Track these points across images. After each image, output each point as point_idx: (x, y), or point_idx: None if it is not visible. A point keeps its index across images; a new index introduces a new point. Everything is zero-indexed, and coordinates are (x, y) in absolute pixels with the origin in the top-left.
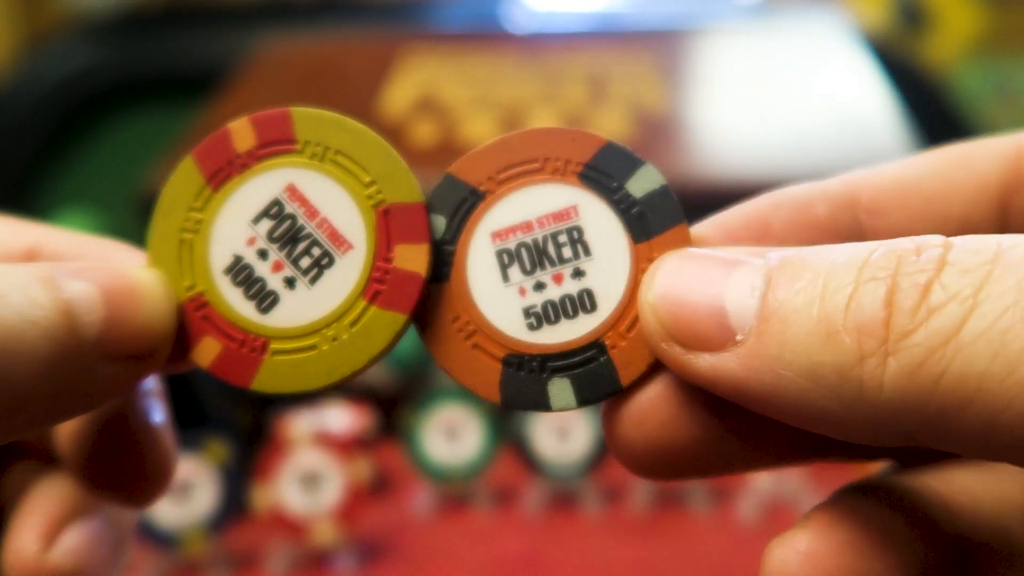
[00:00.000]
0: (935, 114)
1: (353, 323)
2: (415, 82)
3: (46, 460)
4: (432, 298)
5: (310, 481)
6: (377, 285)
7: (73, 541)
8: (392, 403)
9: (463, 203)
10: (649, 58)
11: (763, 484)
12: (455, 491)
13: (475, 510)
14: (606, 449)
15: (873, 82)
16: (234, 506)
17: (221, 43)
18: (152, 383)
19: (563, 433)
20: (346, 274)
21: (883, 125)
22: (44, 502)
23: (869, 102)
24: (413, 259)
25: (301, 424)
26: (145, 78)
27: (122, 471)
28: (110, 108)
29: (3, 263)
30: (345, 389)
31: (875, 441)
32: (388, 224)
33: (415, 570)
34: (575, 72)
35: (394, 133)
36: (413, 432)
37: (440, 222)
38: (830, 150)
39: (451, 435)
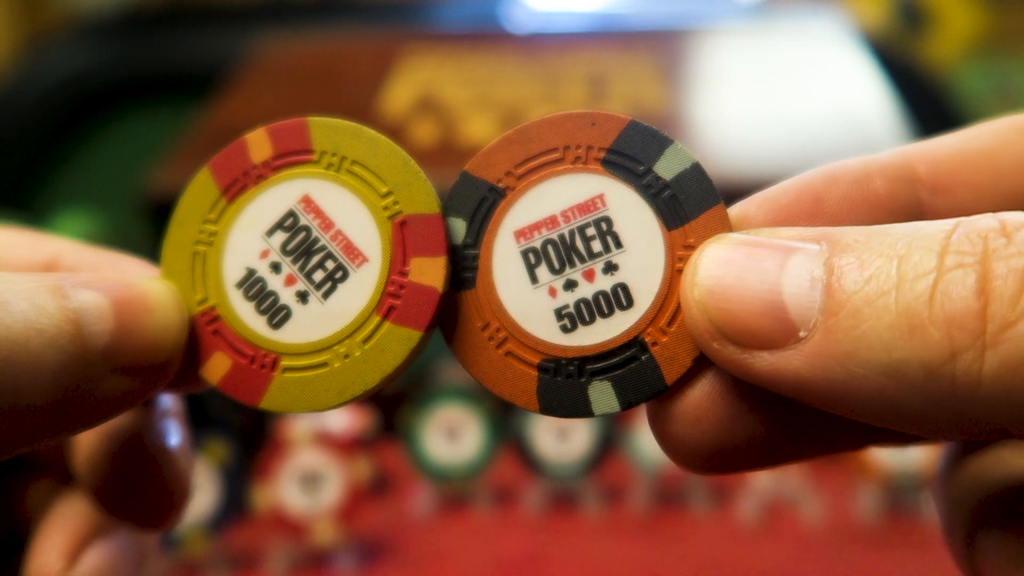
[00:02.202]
0: (935, 114)
1: (366, 339)
2: (415, 82)
3: (68, 479)
4: (458, 306)
5: (310, 481)
6: (392, 300)
7: (95, 560)
8: (392, 403)
9: (482, 202)
10: (649, 58)
11: (763, 484)
12: (455, 491)
13: (475, 510)
14: (605, 449)
15: (873, 82)
16: (234, 506)
17: (221, 43)
18: (170, 403)
19: (563, 433)
20: (360, 288)
21: (883, 125)
22: (66, 521)
23: (869, 102)
24: (430, 273)
25: (301, 424)
26: (145, 78)
27: (136, 496)
28: (110, 108)
29: (12, 272)
30: None
31: (958, 436)
32: (404, 236)
33: (415, 570)
34: (575, 72)
35: (394, 133)
36: (413, 432)
37: (459, 225)
38: (830, 150)
39: (451, 435)
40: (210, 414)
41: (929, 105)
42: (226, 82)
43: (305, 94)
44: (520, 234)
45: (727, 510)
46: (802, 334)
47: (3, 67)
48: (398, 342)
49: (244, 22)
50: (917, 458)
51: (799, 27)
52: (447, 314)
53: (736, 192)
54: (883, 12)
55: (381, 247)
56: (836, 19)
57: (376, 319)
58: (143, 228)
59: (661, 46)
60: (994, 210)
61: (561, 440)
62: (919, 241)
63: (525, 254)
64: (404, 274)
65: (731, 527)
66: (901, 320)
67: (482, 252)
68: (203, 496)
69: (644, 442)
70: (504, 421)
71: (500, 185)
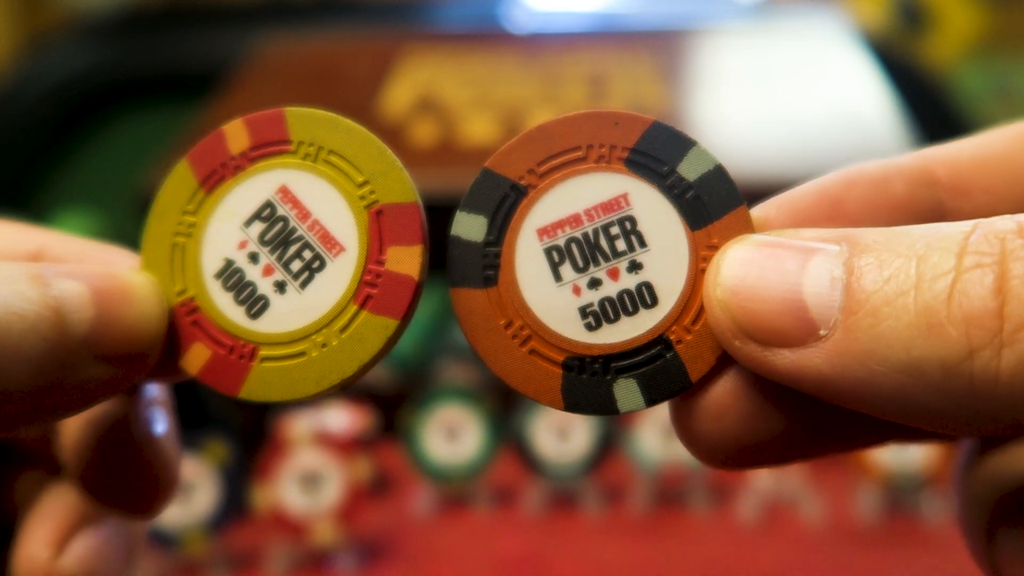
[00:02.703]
0: (935, 114)
1: (343, 328)
2: (415, 82)
3: (56, 470)
4: (481, 304)
5: (310, 481)
6: (368, 289)
7: (83, 548)
8: (392, 403)
9: (504, 200)
10: (649, 58)
11: (763, 484)
12: (455, 491)
13: (475, 510)
14: (605, 449)
15: (873, 82)
16: (234, 506)
17: (221, 43)
18: (156, 392)
19: (563, 433)
20: (337, 277)
21: (883, 125)
22: (54, 510)
23: (869, 102)
24: (406, 261)
25: (301, 424)
26: (145, 78)
27: (123, 483)
28: (110, 108)
29: None
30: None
31: (976, 433)
32: (381, 225)
33: (415, 570)
34: (575, 72)
35: (394, 133)
36: (413, 432)
37: (481, 222)
38: (830, 150)
39: (451, 435)
40: (210, 414)
41: (929, 105)
42: (226, 82)
43: (305, 94)
44: (543, 232)
45: (727, 510)
46: (822, 332)
47: (3, 67)
48: (375, 331)
49: (244, 22)
50: (917, 458)
51: (799, 27)
52: (469, 312)
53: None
54: (883, 12)
55: (358, 236)
56: (836, 19)
57: (353, 308)
58: (142, 229)
59: (661, 46)
60: (1013, 213)
61: (561, 440)
62: (938, 242)
63: (549, 252)
64: (381, 263)
65: (731, 527)
66: (920, 319)
67: (504, 250)
68: (203, 496)
69: (644, 442)
70: (504, 421)
71: (522, 183)
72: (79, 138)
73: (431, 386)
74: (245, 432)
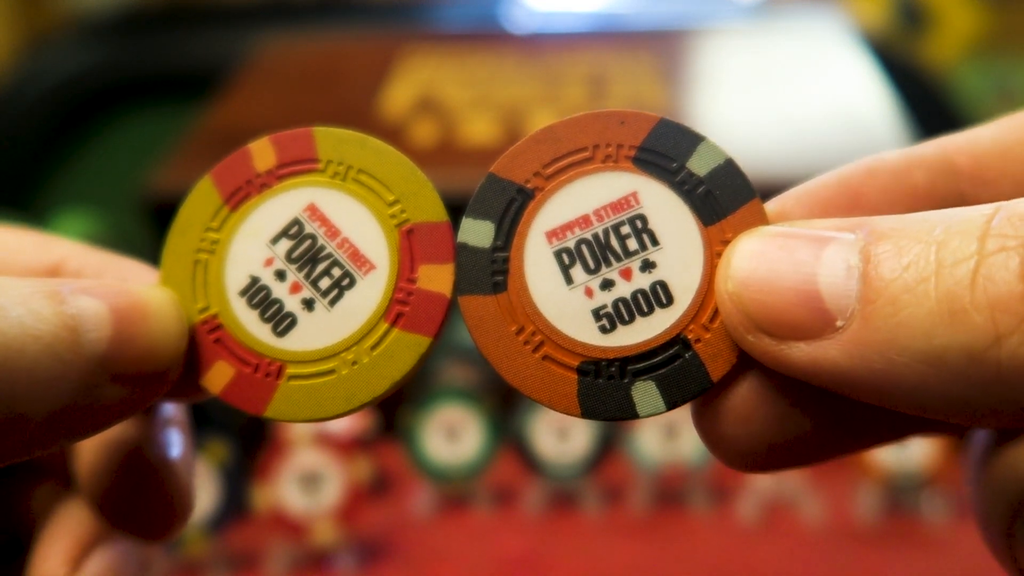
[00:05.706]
0: (935, 114)
1: (374, 346)
2: (415, 82)
3: (71, 483)
4: (491, 311)
5: (310, 481)
6: (400, 307)
7: (99, 566)
8: (392, 403)
9: (511, 204)
10: (649, 58)
11: (763, 484)
12: (455, 491)
13: (475, 510)
14: (605, 449)
15: (873, 82)
16: (234, 506)
17: (221, 43)
18: (172, 412)
19: (563, 433)
20: (368, 295)
21: (883, 125)
22: (70, 526)
23: (869, 102)
24: (438, 279)
25: (302, 424)
26: (145, 78)
27: (137, 507)
28: (110, 108)
29: (10, 276)
30: None
31: (1000, 423)
32: (412, 244)
33: (415, 570)
34: (575, 72)
35: (394, 133)
36: (413, 432)
37: (488, 228)
38: (830, 150)
39: (451, 435)
40: (210, 414)
41: (929, 105)
42: (226, 82)
43: (305, 94)
44: (552, 235)
45: (727, 510)
46: (839, 323)
47: (3, 67)
48: (407, 348)
49: (244, 22)
50: (917, 458)
51: (799, 27)
52: (479, 320)
53: None
54: (883, 12)
55: (388, 254)
56: (836, 19)
57: (384, 326)
58: (143, 228)
59: (661, 46)
60: None
61: (561, 440)
62: (957, 226)
63: (558, 255)
64: (412, 281)
65: (731, 527)
66: (942, 306)
67: (513, 254)
68: (203, 496)
69: (644, 442)
70: (504, 421)
71: (529, 186)
72: (79, 138)
73: (431, 386)
74: (245, 432)
